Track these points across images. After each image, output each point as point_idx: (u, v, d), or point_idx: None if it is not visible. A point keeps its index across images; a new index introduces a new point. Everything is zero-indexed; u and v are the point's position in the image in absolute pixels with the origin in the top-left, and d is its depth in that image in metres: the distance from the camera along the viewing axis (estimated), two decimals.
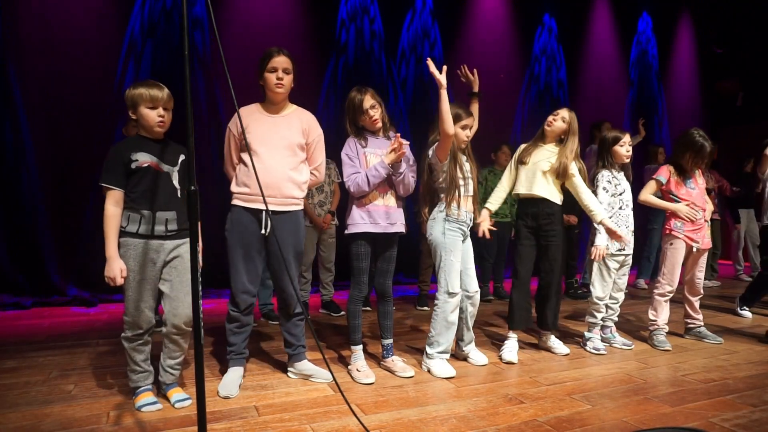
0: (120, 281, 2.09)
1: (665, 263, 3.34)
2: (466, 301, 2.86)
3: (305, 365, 2.63)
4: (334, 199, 4.21)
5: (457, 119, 2.65)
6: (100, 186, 2.11)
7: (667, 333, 3.36)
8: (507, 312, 3.14)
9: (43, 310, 4.17)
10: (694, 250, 3.31)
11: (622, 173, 3.28)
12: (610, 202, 3.16)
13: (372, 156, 2.64)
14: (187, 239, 2.09)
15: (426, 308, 4.43)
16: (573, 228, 4.75)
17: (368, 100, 2.60)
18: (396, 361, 2.76)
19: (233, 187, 2.50)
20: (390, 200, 2.67)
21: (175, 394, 2.27)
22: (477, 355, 2.92)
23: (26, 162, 4.28)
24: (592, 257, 3.12)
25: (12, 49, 4.18)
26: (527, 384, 2.59)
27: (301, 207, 2.56)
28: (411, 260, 4.86)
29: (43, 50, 4.26)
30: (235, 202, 2.47)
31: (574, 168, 2.97)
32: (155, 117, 2.13)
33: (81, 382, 2.53)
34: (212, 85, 4.89)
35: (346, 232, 2.67)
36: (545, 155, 3.02)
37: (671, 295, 3.34)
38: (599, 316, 3.23)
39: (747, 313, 4.24)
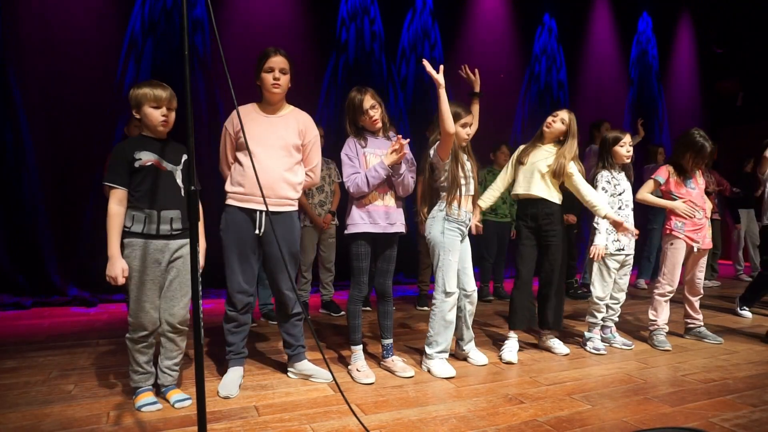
0: (121, 281, 2.09)
1: (665, 263, 3.34)
2: (464, 299, 2.86)
3: (305, 365, 2.63)
4: (334, 199, 4.21)
5: (456, 118, 2.65)
6: (103, 185, 2.12)
7: (667, 333, 3.36)
8: (507, 312, 3.14)
9: (43, 310, 4.17)
10: (695, 250, 3.31)
11: (622, 173, 3.28)
12: (609, 202, 3.16)
13: (372, 156, 2.64)
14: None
15: (426, 308, 4.42)
16: (572, 228, 4.75)
17: (368, 101, 2.60)
18: (396, 361, 2.76)
19: (228, 187, 2.50)
20: (390, 200, 2.67)
21: (175, 394, 2.27)
22: (477, 355, 2.92)
23: (26, 162, 4.28)
24: (592, 257, 3.12)
25: (12, 49, 4.18)
26: (527, 384, 2.59)
27: (295, 208, 2.56)
28: (411, 260, 4.86)
29: (43, 50, 4.26)
30: (229, 201, 2.47)
31: (572, 167, 2.97)
32: (159, 116, 2.15)
33: (81, 382, 2.53)
34: (212, 86, 4.89)
35: (346, 232, 2.67)
36: (543, 155, 3.02)
37: (671, 295, 3.34)
38: (599, 316, 3.23)
39: (747, 313, 4.24)
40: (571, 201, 3.14)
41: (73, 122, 4.37)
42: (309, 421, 2.11)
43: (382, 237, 2.68)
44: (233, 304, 2.48)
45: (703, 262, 3.41)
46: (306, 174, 2.62)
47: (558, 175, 2.96)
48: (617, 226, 2.97)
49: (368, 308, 4.26)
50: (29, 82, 4.25)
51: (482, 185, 4.68)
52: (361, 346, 2.70)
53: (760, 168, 4.11)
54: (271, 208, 2.43)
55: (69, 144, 4.37)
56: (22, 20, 4.20)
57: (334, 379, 2.03)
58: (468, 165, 2.80)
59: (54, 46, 4.30)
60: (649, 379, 2.70)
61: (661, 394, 2.48)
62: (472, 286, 2.88)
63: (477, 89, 3.02)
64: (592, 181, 3.25)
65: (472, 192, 2.80)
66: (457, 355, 2.98)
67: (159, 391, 2.31)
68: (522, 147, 3.16)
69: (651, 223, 5.55)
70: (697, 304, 3.48)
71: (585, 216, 5.22)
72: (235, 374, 2.49)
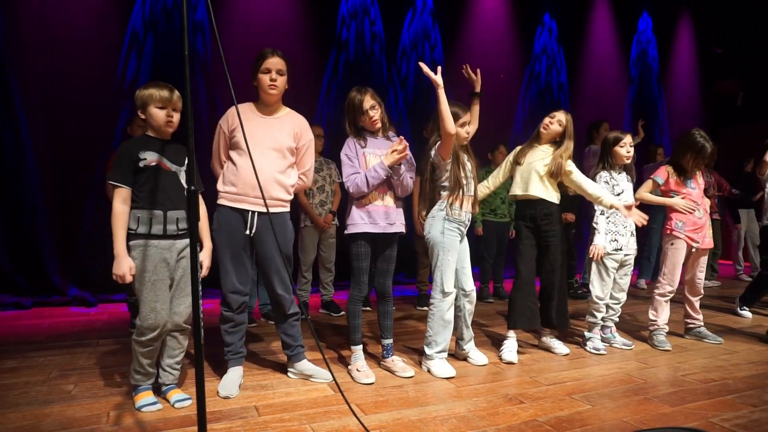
0: (129, 279, 2.09)
1: (666, 263, 3.34)
2: (463, 299, 2.86)
3: (305, 365, 2.62)
4: (335, 199, 4.21)
5: (455, 118, 2.65)
6: (107, 184, 2.12)
7: (667, 333, 3.36)
8: (507, 312, 3.14)
9: (43, 310, 4.17)
10: (694, 250, 3.31)
11: (622, 174, 3.27)
12: None
13: (371, 156, 2.64)
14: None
15: (426, 308, 4.42)
16: (570, 227, 4.74)
17: (368, 101, 2.60)
18: (396, 361, 2.76)
19: (219, 186, 2.49)
20: (389, 200, 2.67)
21: (175, 394, 2.27)
22: (477, 355, 2.92)
23: (26, 162, 4.28)
24: (591, 257, 3.12)
25: (12, 49, 4.18)
26: (527, 384, 2.59)
27: (287, 209, 2.56)
28: (411, 260, 4.85)
29: (43, 50, 4.26)
30: (221, 201, 2.47)
31: (570, 164, 2.97)
32: (164, 117, 2.17)
33: (81, 382, 2.53)
34: (212, 86, 4.89)
35: (346, 232, 2.67)
36: (540, 155, 3.02)
37: (672, 295, 3.34)
38: (599, 315, 3.23)
39: (747, 313, 4.24)
40: (570, 200, 3.13)
41: (73, 122, 4.37)
42: (309, 421, 2.11)
43: (381, 237, 2.68)
44: (228, 304, 2.47)
45: (704, 262, 3.40)
46: (299, 177, 2.62)
47: (556, 174, 2.96)
48: (627, 210, 2.89)
49: (368, 308, 4.26)
50: (29, 82, 4.25)
51: None
52: (361, 346, 2.70)
53: (760, 169, 4.11)
54: (263, 209, 2.43)
55: (69, 144, 4.37)
56: (22, 20, 4.20)
57: (334, 379, 2.03)
58: (469, 165, 2.80)
59: (54, 46, 4.30)
60: (649, 379, 2.70)
61: (661, 394, 2.48)
62: (470, 285, 2.88)
63: (478, 89, 3.02)
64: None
65: (472, 192, 2.80)
66: (457, 355, 2.98)
67: (159, 390, 2.31)
68: (519, 147, 3.16)
69: (650, 223, 5.52)
70: (697, 304, 3.48)
71: (585, 217, 5.23)
72: (234, 374, 2.49)
